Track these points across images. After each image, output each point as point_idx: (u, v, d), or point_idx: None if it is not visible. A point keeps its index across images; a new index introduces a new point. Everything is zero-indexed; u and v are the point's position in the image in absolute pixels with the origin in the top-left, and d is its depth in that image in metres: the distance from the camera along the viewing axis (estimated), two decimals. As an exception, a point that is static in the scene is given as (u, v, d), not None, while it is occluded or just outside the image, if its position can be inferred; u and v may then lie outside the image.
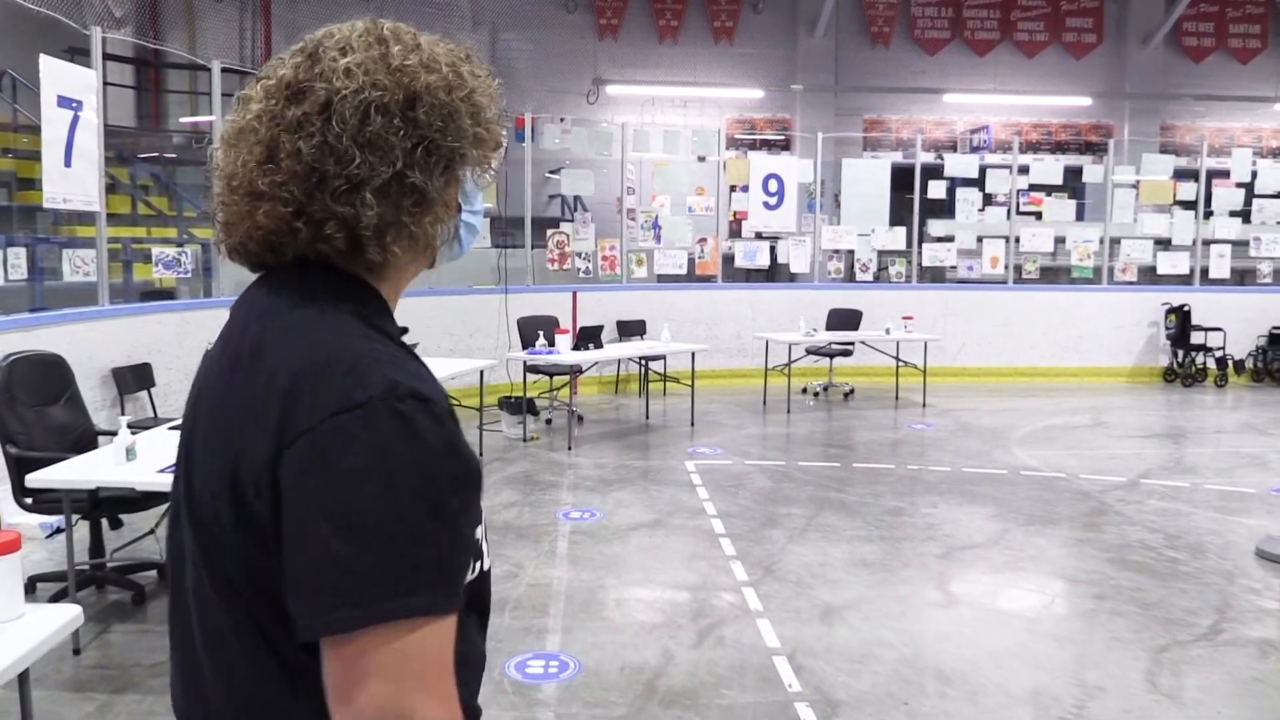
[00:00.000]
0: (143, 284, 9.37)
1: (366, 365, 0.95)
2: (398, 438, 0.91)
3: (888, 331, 10.09)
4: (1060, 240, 12.03)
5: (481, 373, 7.57)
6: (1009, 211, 11.90)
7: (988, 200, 12.05)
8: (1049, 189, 12.11)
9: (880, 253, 11.90)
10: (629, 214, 11.49)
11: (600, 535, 5.54)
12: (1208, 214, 12.11)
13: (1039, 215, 12.26)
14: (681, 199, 14.09)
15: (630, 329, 10.79)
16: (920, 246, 11.88)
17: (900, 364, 10.35)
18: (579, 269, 10.75)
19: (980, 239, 11.93)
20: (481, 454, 7.50)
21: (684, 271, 11.30)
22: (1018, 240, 11.92)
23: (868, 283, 11.85)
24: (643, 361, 9.88)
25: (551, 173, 15.29)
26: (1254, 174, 12.14)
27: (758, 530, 5.64)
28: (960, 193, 11.88)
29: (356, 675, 0.89)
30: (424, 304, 9.42)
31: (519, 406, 8.17)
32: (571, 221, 10.99)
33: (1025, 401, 10.55)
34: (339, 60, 1.01)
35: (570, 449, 7.81)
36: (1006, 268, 11.95)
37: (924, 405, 10.05)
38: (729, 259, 11.96)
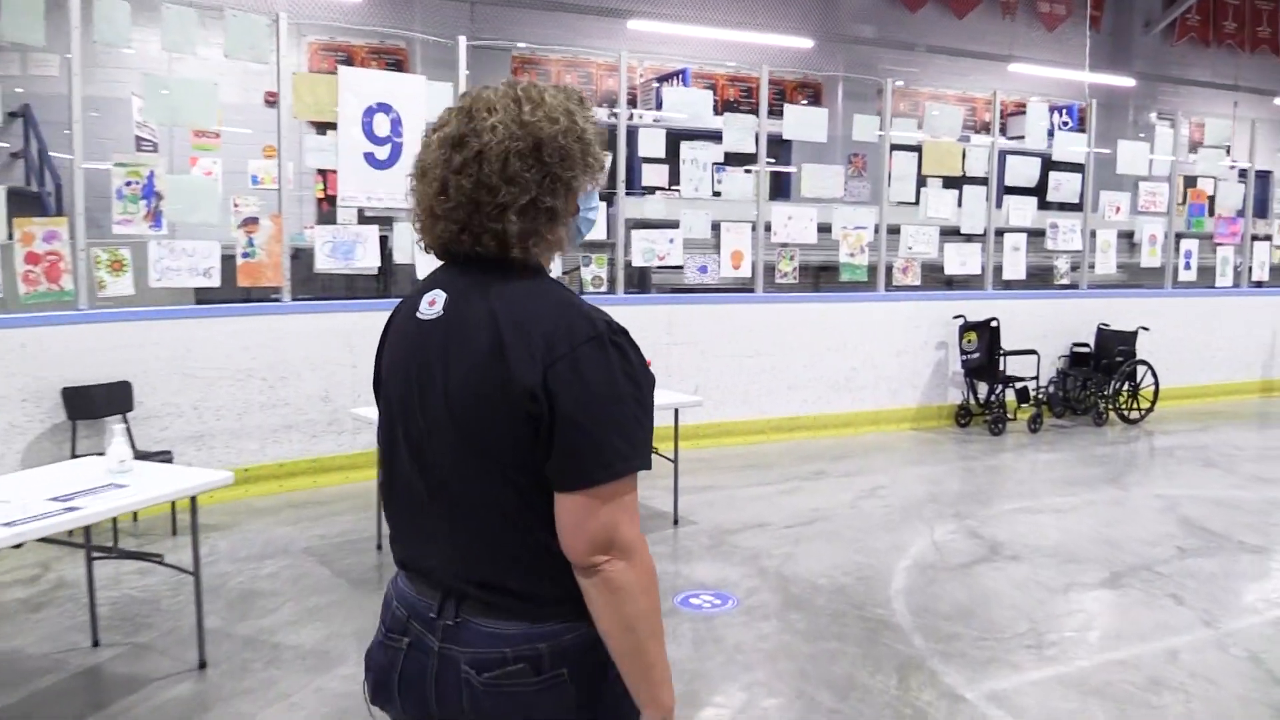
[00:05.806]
0: None
1: (587, 311, 1.44)
2: (618, 357, 1.42)
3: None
4: (824, 229, 8.04)
5: None
6: (757, 186, 7.68)
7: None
8: (746, 158, 7.82)
9: (567, 245, 7.18)
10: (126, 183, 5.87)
11: None
12: (1003, 191, 8.75)
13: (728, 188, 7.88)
14: (243, 162, 8.78)
15: (91, 406, 5.24)
16: (629, 236, 7.37)
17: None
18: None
19: (717, 226, 7.63)
20: None
21: (214, 283, 5.89)
22: (769, 228, 7.77)
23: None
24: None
25: (13, 115, 9.18)
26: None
27: None
28: (685, 150, 7.50)
29: (591, 511, 1.39)
30: None
31: None
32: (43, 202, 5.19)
33: (818, 488, 6.39)
34: (487, 119, 1.44)
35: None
36: (755, 268, 7.76)
37: (675, 522, 5.53)
38: (299, 255, 6.68)
